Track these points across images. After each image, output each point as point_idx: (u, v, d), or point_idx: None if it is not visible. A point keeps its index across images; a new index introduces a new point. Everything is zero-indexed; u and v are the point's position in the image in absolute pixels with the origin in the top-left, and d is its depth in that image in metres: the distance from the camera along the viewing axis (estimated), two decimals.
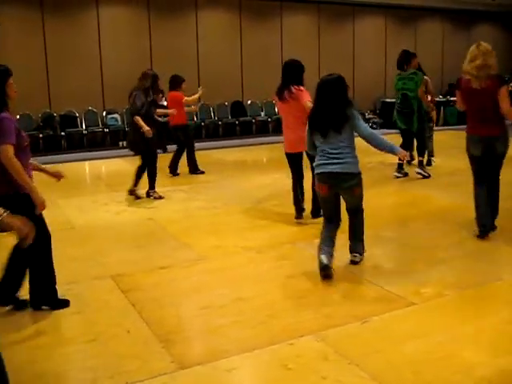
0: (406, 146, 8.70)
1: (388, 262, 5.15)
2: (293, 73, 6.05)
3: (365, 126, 4.65)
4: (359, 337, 3.62)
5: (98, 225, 6.52)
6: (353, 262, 4.89)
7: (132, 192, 7.63)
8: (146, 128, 7.31)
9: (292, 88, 5.94)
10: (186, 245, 5.61)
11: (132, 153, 7.86)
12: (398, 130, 9.10)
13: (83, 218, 6.92)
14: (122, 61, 13.68)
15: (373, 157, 8.94)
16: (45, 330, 3.82)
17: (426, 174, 8.68)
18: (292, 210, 6.45)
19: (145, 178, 7.61)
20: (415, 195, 7.71)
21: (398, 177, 8.79)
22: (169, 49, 14.30)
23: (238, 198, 7.75)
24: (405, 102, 8.63)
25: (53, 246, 5.15)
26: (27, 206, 3.78)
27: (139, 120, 7.35)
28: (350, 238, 4.98)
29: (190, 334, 3.75)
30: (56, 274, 4.15)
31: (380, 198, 7.33)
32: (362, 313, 3.93)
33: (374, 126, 15.17)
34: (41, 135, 12.96)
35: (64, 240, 5.95)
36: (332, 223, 4.82)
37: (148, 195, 7.65)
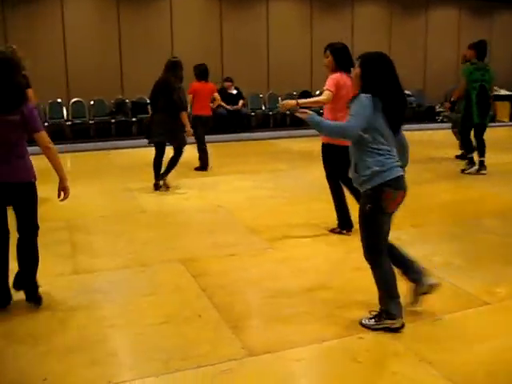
0: (480, 141, 8.48)
1: (459, 258, 5.01)
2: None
3: None
4: (431, 334, 3.56)
5: (168, 210, 6.65)
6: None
7: (160, 183, 7.68)
8: (189, 128, 7.58)
9: None
10: (254, 232, 5.65)
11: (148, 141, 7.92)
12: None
13: (153, 202, 7.08)
14: (193, 50, 13.81)
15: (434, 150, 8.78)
16: (119, 311, 3.93)
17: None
18: None
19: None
20: (483, 192, 7.49)
21: (466, 171, 8.57)
22: (239, 38, 14.37)
23: (306, 188, 7.73)
24: (483, 94, 8.33)
25: (125, 229, 5.34)
26: (35, 195, 4.02)
27: (185, 117, 7.54)
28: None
29: (258, 322, 3.78)
30: (129, 256, 4.25)
31: (447, 193, 7.18)
32: (434, 310, 3.85)
33: (445, 120, 14.78)
34: (113, 120, 13.32)
35: (136, 223, 6.13)
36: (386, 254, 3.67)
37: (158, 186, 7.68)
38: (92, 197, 7.42)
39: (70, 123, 13.08)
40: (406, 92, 15.66)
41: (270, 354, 3.31)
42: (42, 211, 6.51)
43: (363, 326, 3.61)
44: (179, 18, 14.00)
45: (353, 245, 5.23)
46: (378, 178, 3.45)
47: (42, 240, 5.09)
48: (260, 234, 5.61)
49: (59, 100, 13.12)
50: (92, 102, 13.38)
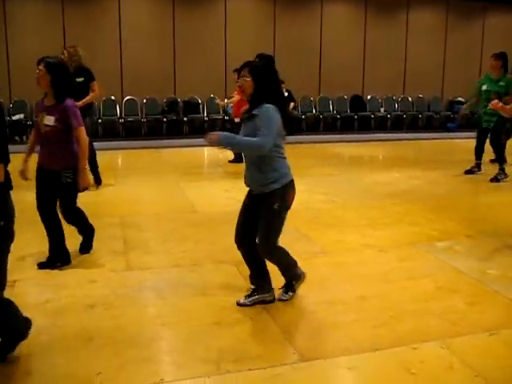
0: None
1: None
2: None
3: None
4: (487, 349, 3.46)
5: (219, 210, 6.67)
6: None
7: None
8: None
9: None
10: (306, 237, 5.63)
11: None
12: None
13: (204, 202, 7.12)
14: (245, 52, 13.82)
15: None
16: (171, 310, 3.97)
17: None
18: (413, 209, 6.29)
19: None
20: None
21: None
22: (292, 40, 14.36)
23: (357, 193, 7.68)
24: None
25: (177, 227, 5.37)
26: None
27: None
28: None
29: (311, 328, 3.75)
30: (181, 254, 4.27)
31: (503, 205, 6.99)
32: (490, 324, 3.76)
33: None
34: (164, 119, 13.49)
35: (188, 222, 6.19)
36: None
37: None
38: (145, 194, 7.53)
39: (122, 121, 13.30)
40: (460, 99, 15.48)
41: (321, 360, 3.28)
42: (97, 208, 6.69)
43: (241, 305, 3.98)
44: (233, 20, 14.09)
45: (405, 253, 5.18)
46: (283, 179, 3.80)
47: (96, 236, 5.21)
48: (312, 238, 5.58)
49: (113, 97, 13.36)
50: (145, 101, 13.58)
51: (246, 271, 4.60)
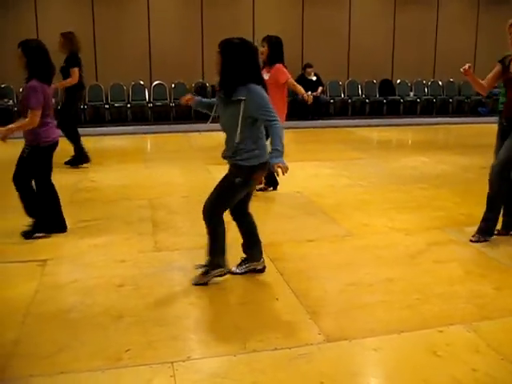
0: None
1: None
2: None
3: None
4: None
5: None
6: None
7: None
8: None
9: None
10: (333, 220, 5.63)
11: None
12: None
13: None
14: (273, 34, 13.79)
15: None
16: (198, 290, 4.01)
17: None
18: (440, 193, 6.23)
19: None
20: None
21: None
22: (321, 24, 14.21)
23: (384, 177, 7.63)
24: None
25: (188, 210, 5.38)
26: None
27: None
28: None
29: (336, 309, 3.76)
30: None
31: None
32: None
33: None
34: None
35: None
36: None
37: None
38: (174, 177, 7.59)
39: (151, 105, 13.38)
40: None
41: (347, 341, 3.30)
42: (126, 191, 6.78)
43: (233, 273, 4.17)
44: (261, 3, 14.00)
45: (432, 237, 5.15)
46: (256, 160, 3.84)
47: (125, 217, 5.28)
48: (339, 221, 5.58)
49: (142, 82, 13.44)
50: (173, 85, 13.63)
51: (273, 253, 4.65)
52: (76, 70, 7.83)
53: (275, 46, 6.42)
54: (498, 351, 3.20)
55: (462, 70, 4.90)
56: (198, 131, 11.27)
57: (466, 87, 15.49)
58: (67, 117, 7.96)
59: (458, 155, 9.21)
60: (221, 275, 4.08)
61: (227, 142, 3.97)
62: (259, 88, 3.79)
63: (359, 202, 6.32)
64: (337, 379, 2.93)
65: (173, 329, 3.44)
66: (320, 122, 13.22)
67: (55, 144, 4.96)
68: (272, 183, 6.72)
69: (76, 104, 8.29)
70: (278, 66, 6.31)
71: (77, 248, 4.82)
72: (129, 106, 13.13)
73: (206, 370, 3.03)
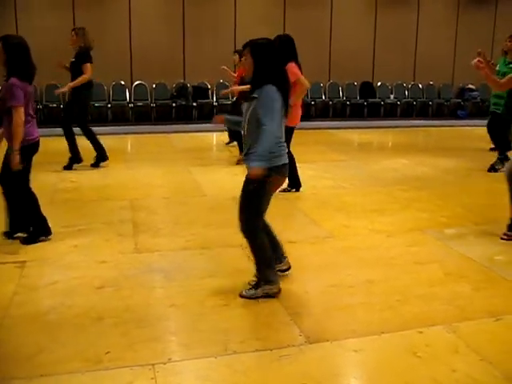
0: None
1: None
2: None
3: None
4: (493, 334, 3.48)
5: (228, 194, 6.65)
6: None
7: None
8: None
9: None
10: (314, 221, 5.65)
11: None
12: None
13: (213, 186, 7.14)
14: (255, 36, 13.71)
15: None
16: (179, 291, 4.00)
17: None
18: (421, 195, 6.26)
19: None
20: None
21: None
22: (302, 25, 14.24)
23: (365, 179, 7.67)
24: None
25: (186, 211, 5.39)
26: None
27: None
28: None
29: (317, 310, 3.77)
30: (189, 238, 4.31)
31: None
32: (496, 309, 3.78)
33: None
34: (174, 104, 13.46)
35: (196, 206, 6.22)
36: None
37: None
38: (154, 178, 7.55)
39: (131, 105, 13.31)
40: (471, 86, 15.37)
41: (328, 343, 3.31)
42: (107, 191, 6.73)
43: (244, 297, 3.86)
44: (243, 5, 14.00)
45: (413, 238, 5.19)
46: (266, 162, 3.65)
47: (106, 218, 5.24)
48: (320, 223, 5.59)
49: (122, 82, 13.36)
50: (154, 86, 13.57)
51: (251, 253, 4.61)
52: (89, 65, 7.67)
53: (285, 44, 6.26)
54: (478, 352, 3.23)
55: (473, 63, 4.89)
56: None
57: (446, 90, 15.66)
58: (70, 116, 7.84)
59: (438, 157, 9.29)
60: (273, 296, 3.87)
61: (244, 143, 3.88)
62: (273, 89, 3.62)
63: (340, 204, 6.34)
64: (319, 380, 2.94)
65: (153, 331, 3.43)
66: (301, 123, 13.21)
67: (37, 143, 4.87)
68: (295, 185, 6.72)
69: (81, 104, 7.97)
70: (290, 65, 6.00)
71: (57, 249, 4.78)
72: (109, 106, 13.03)
73: (187, 372, 3.03)
